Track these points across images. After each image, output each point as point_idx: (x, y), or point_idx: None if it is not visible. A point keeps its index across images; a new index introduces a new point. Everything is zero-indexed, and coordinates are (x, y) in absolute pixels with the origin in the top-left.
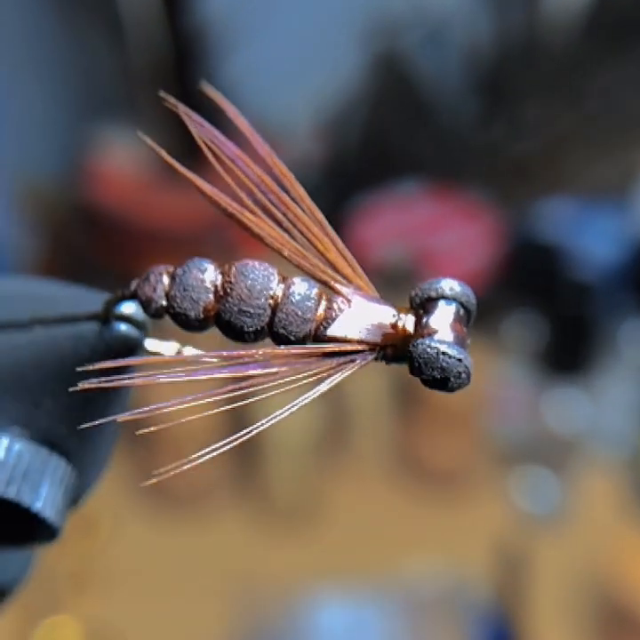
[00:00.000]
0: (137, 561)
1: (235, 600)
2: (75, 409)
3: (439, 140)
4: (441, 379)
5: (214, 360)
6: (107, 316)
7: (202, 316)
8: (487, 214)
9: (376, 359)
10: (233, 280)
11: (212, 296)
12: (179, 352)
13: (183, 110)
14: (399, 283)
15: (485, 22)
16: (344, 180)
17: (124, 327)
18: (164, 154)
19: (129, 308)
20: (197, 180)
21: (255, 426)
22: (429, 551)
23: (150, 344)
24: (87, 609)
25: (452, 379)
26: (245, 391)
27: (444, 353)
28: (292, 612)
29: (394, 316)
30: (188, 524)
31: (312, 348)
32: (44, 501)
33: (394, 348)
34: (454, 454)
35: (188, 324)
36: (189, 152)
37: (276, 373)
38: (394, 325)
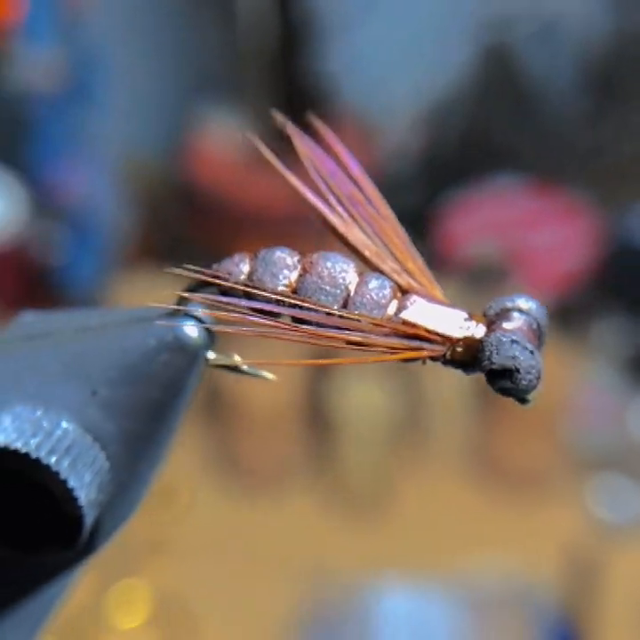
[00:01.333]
0: (210, 533)
1: (300, 580)
2: (130, 406)
3: (542, 136)
4: (511, 370)
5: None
6: (178, 311)
7: (280, 288)
8: (585, 215)
9: (444, 354)
10: (314, 261)
11: (292, 273)
12: (236, 367)
13: (291, 129)
14: (487, 280)
15: (601, 19)
16: (441, 171)
17: (193, 330)
18: (258, 144)
19: (198, 311)
20: (288, 174)
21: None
22: (499, 551)
23: (213, 355)
24: (158, 575)
25: (521, 371)
26: (322, 347)
27: (517, 342)
28: (357, 597)
29: (466, 319)
30: (262, 502)
31: (387, 321)
32: (80, 482)
33: (463, 348)
34: (533, 456)
35: (261, 301)
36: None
37: (352, 340)
38: (466, 328)
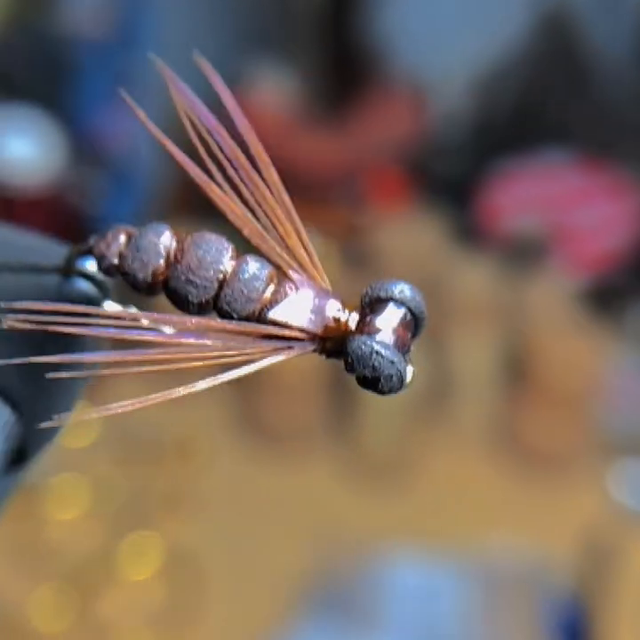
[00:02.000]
0: (226, 492)
1: (313, 546)
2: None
3: (597, 110)
4: (371, 378)
5: (146, 321)
6: (68, 271)
7: (150, 279)
8: (632, 194)
9: (314, 350)
10: (185, 248)
11: (162, 261)
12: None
13: (167, 72)
14: (527, 256)
15: None
16: (490, 140)
17: (83, 284)
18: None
19: (92, 265)
20: (169, 143)
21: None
22: (515, 530)
23: (109, 305)
24: (172, 530)
25: (382, 380)
26: (173, 358)
27: (377, 352)
28: (368, 566)
29: (339, 310)
30: (279, 463)
31: (249, 326)
32: None
33: (333, 342)
34: (557, 436)
35: (137, 286)
36: (338, 95)
37: (209, 346)
38: (337, 319)
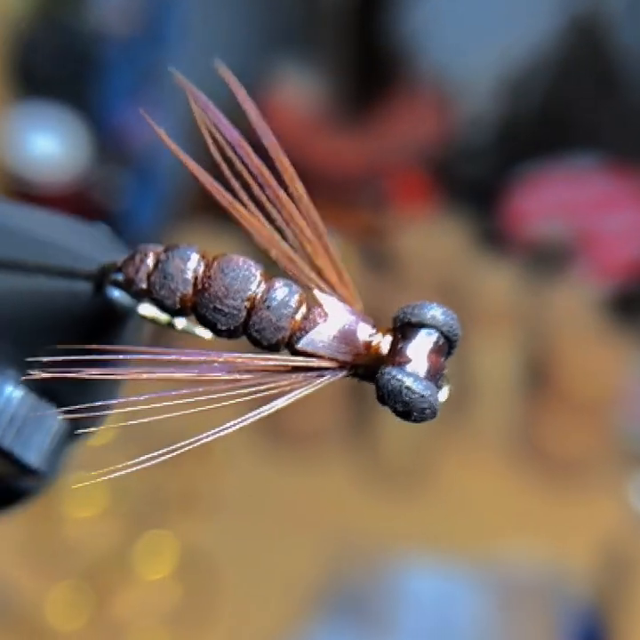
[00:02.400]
0: (242, 493)
1: (328, 549)
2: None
3: (624, 115)
4: (403, 412)
5: (176, 358)
6: (102, 280)
7: (178, 306)
8: None
9: (346, 377)
10: (212, 275)
11: (190, 288)
12: (171, 323)
13: (189, 87)
14: (551, 262)
15: None
16: (516, 144)
17: (117, 293)
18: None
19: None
20: (191, 163)
21: (194, 440)
22: (532, 537)
23: (145, 309)
24: (188, 530)
25: (414, 413)
26: (204, 396)
27: (408, 388)
28: (383, 571)
29: (370, 334)
30: (296, 465)
31: (278, 360)
32: (27, 448)
33: (365, 369)
34: (577, 444)
35: (166, 311)
36: (363, 96)
37: (239, 381)
38: (368, 345)
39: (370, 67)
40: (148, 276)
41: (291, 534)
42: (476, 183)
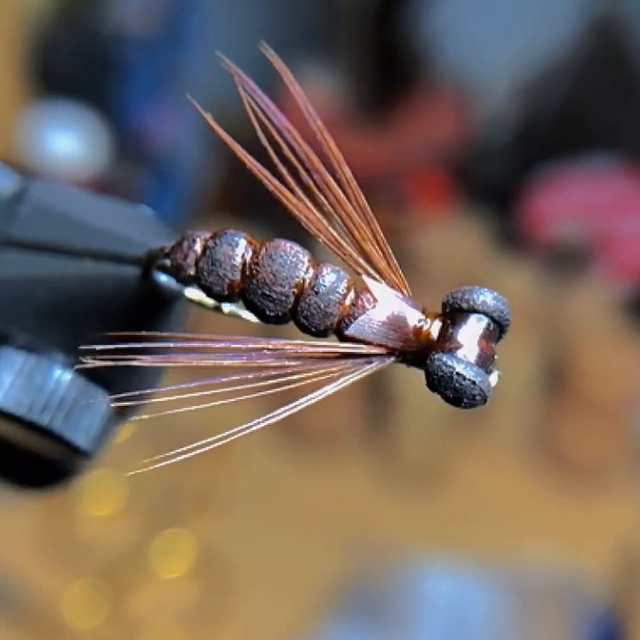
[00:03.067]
0: (259, 492)
1: (344, 549)
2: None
3: None
4: (453, 398)
5: (227, 345)
6: (149, 265)
7: (226, 292)
8: None
9: (395, 362)
10: (260, 262)
11: (238, 274)
12: (217, 307)
13: (235, 71)
14: (569, 263)
15: None
16: (535, 145)
17: (164, 278)
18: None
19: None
20: (239, 150)
21: (218, 437)
22: (549, 539)
23: (191, 293)
24: (204, 529)
25: (465, 400)
26: (255, 383)
27: (459, 374)
28: (399, 572)
29: (420, 320)
30: (313, 465)
31: (327, 346)
32: (76, 431)
33: (414, 355)
34: (595, 447)
35: (214, 296)
36: (383, 96)
37: (289, 367)
38: (418, 330)
39: (390, 67)
40: (196, 262)
41: (307, 534)
42: (495, 184)
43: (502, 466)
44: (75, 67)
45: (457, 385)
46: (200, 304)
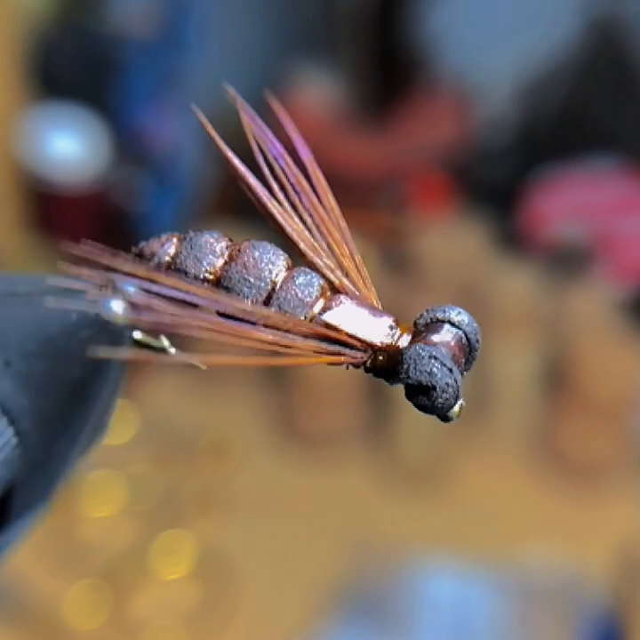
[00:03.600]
0: (259, 493)
1: (345, 550)
2: (46, 382)
3: None
4: (425, 386)
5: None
6: (104, 286)
7: (202, 276)
8: None
9: (364, 362)
10: (242, 249)
11: (217, 260)
12: (164, 349)
13: (241, 103)
14: (570, 264)
15: None
16: (535, 146)
17: (117, 300)
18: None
19: (127, 287)
20: (231, 156)
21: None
22: (550, 541)
23: (138, 335)
24: (205, 529)
25: (437, 389)
26: (227, 343)
27: (436, 358)
28: (400, 574)
29: (392, 327)
30: (314, 466)
31: (307, 323)
32: None
33: (385, 356)
34: (597, 448)
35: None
36: (383, 98)
37: (263, 332)
38: (391, 335)
39: (390, 69)
40: (175, 250)
41: (308, 535)
42: (495, 185)
43: (503, 467)
44: (75, 68)
45: (433, 368)
46: (147, 346)
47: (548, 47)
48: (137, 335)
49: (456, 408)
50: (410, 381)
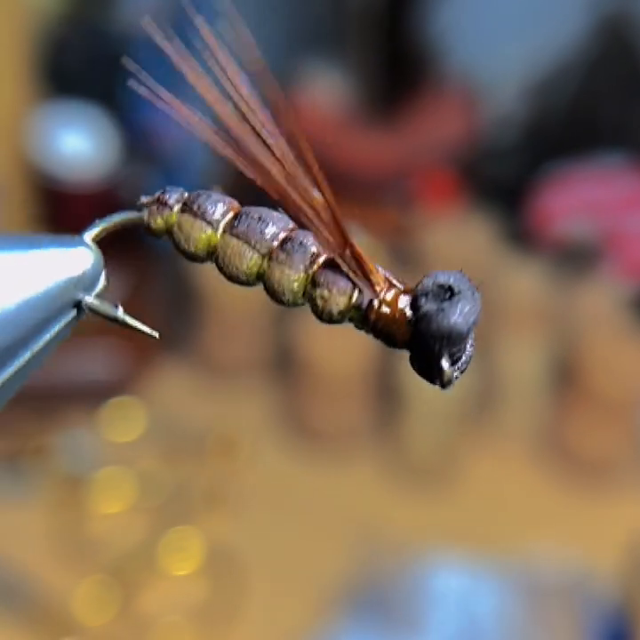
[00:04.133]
0: (268, 489)
1: (353, 546)
2: None
3: None
4: (450, 296)
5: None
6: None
7: (220, 215)
8: None
9: (368, 305)
10: (253, 207)
11: (234, 203)
12: (116, 318)
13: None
14: (578, 261)
15: None
16: (543, 144)
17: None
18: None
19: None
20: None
21: None
22: (559, 538)
23: (90, 299)
24: (213, 526)
25: (459, 306)
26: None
27: (457, 277)
28: (407, 569)
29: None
30: (322, 462)
31: (341, 213)
32: None
33: (390, 307)
34: (605, 445)
35: (203, 224)
36: (391, 95)
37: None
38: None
39: (398, 66)
40: (184, 198)
41: (317, 532)
42: (503, 182)
43: (511, 463)
44: (85, 66)
45: (453, 280)
46: (96, 312)
47: (556, 44)
48: (89, 299)
49: (470, 341)
50: (425, 309)
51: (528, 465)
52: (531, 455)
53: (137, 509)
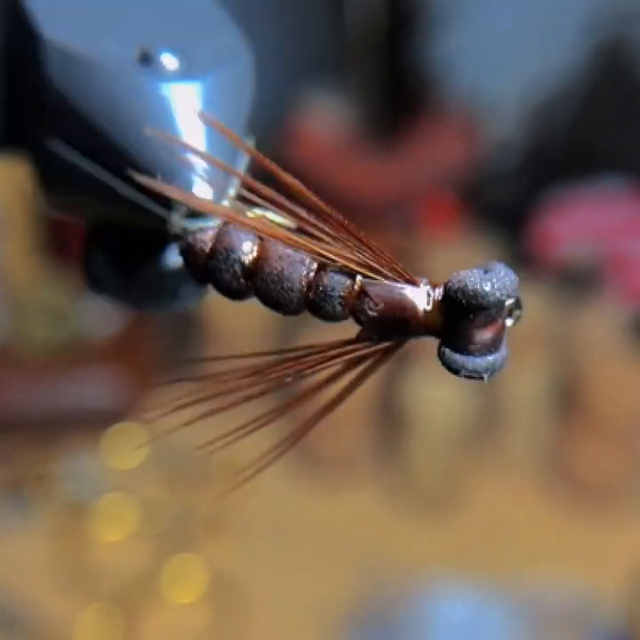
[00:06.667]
0: (271, 516)
1: (357, 573)
2: None
3: None
4: (480, 280)
5: None
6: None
7: (249, 256)
8: None
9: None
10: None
11: (257, 244)
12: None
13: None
14: (580, 284)
15: None
16: (543, 168)
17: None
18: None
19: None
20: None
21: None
22: (563, 563)
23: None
24: (216, 553)
25: (495, 276)
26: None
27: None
28: (412, 596)
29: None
30: (325, 489)
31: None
32: None
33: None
34: (609, 470)
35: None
36: (392, 120)
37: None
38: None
39: (398, 92)
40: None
41: (320, 558)
42: (504, 206)
43: (515, 488)
44: None
45: (494, 279)
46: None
47: (555, 70)
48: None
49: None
50: (467, 281)
51: (532, 490)
52: (535, 480)
53: (139, 537)
